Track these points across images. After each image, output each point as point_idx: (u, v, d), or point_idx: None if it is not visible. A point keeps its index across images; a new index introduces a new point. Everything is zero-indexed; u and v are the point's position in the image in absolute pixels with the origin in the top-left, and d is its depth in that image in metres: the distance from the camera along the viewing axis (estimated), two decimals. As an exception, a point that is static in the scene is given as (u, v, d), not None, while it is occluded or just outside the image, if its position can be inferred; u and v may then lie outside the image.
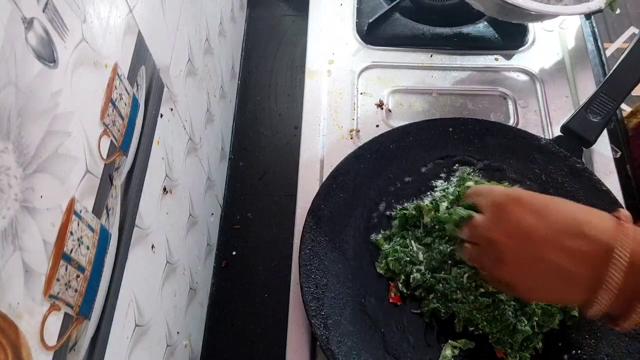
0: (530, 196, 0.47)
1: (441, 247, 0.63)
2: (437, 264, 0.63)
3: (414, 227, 0.65)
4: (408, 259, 0.62)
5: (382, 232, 0.66)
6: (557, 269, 0.43)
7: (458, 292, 0.60)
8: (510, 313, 0.57)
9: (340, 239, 0.66)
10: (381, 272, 0.64)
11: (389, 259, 0.63)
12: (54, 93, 0.33)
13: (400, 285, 0.62)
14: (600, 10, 0.73)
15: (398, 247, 0.63)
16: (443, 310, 0.60)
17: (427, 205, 0.65)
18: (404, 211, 0.66)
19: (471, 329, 0.59)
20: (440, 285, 0.61)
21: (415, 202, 0.68)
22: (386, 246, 0.64)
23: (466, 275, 0.61)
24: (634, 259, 0.41)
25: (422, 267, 0.62)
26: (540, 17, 0.79)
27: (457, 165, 0.71)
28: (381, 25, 0.86)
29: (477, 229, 0.50)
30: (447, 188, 0.68)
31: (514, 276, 0.47)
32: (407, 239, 0.64)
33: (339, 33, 0.87)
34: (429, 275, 0.61)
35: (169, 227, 0.58)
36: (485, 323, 0.58)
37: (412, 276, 0.61)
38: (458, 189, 0.66)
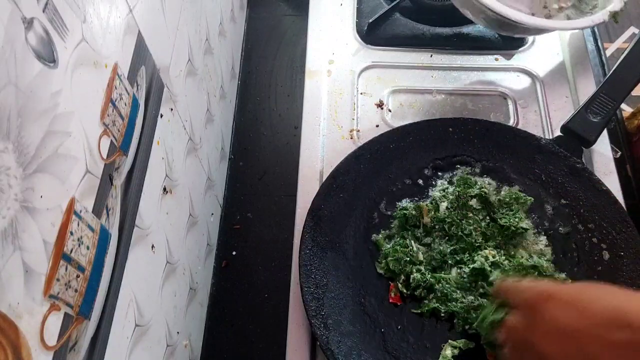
0: (561, 290, 0.45)
1: (441, 247, 0.63)
2: (437, 263, 0.63)
3: (414, 227, 0.66)
4: (408, 259, 0.62)
5: (382, 232, 0.66)
6: None
7: (458, 291, 0.60)
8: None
9: (340, 239, 0.66)
10: (381, 272, 0.64)
11: (389, 259, 0.63)
12: (54, 93, 0.33)
13: (400, 285, 0.62)
14: (603, 22, 0.73)
15: (398, 247, 0.63)
16: (443, 310, 0.60)
17: (427, 205, 0.65)
18: (404, 211, 0.66)
19: (468, 328, 0.59)
20: (440, 285, 0.61)
21: (415, 202, 0.68)
22: (386, 246, 0.64)
23: (467, 275, 0.61)
24: None
25: (422, 267, 0.62)
26: (542, 31, 0.78)
27: (457, 165, 0.71)
28: (381, 25, 0.86)
29: (512, 332, 0.47)
30: (447, 188, 0.68)
31: None
32: (407, 239, 0.64)
33: (339, 33, 0.87)
34: (429, 276, 0.61)
35: (169, 227, 0.58)
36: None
37: (412, 276, 0.61)
38: (458, 189, 0.66)
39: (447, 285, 0.60)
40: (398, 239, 0.65)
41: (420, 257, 0.63)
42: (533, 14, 0.76)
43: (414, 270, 0.61)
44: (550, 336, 0.43)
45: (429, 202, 0.66)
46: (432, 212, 0.64)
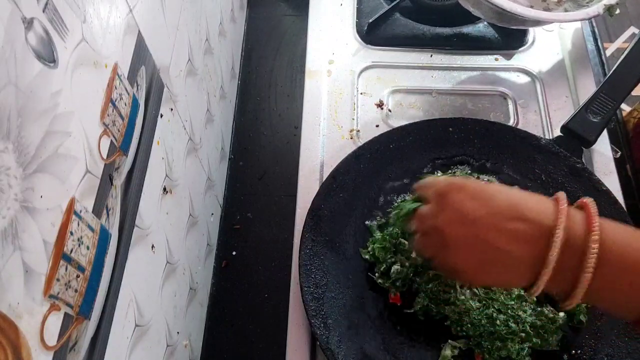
0: (471, 183, 0.49)
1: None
2: None
3: None
4: (394, 249, 0.63)
5: (377, 218, 0.67)
6: (499, 252, 0.44)
7: (452, 291, 0.60)
8: (498, 322, 0.57)
9: (340, 239, 0.66)
10: (366, 257, 0.64)
11: (376, 245, 0.63)
12: (54, 93, 0.33)
13: (377, 274, 0.62)
14: (598, 15, 0.73)
15: (387, 237, 0.63)
16: (435, 310, 0.60)
17: None
18: (404, 204, 0.66)
19: (458, 330, 0.59)
20: (431, 284, 0.61)
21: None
22: (378, 233, 0.65)
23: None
24: (569, 234, 0.42)
25: (406, 261, 0.62)
26: (539, 23, 0.79)
27: (457, 165, 0.71)
28: (381, 25, 0.86)
29: (423, 218, 0.51)
30: None
31: (459, 261, 0.48)
32: (405, 233, 0.64)
33: (339, 33, 0.87)
34: (409, 270, 0.61)
35: (169, 227, 0.58)
36: (469, 325, 0.58)
37: (393, 267, 0.61)
38: None
39: (439, 286, 0.61)
40: (391, 229, 0.65)
41: (410, 252, 0.63)
42: (532, 7, 0.76)
43: (397, 261, 0.61)
44: (455, 222, 0.47)
45: None
46: None
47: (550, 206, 0.45)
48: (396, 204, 0.67)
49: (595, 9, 0.72)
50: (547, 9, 0.79)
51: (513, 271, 0.45)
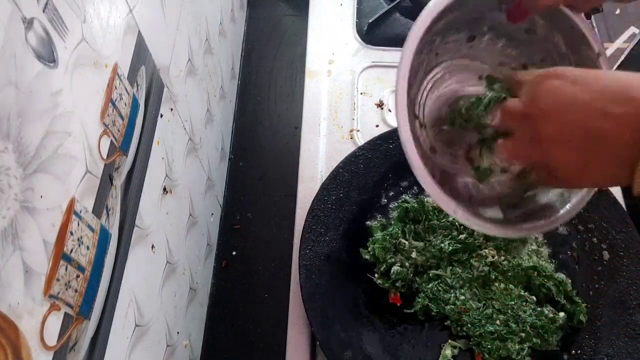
0: (567, 69, 0.43)
1: (442, 245, 0.63)
2: (436, 261, 0.63)
3: (414, 222, 0.66)
4: (394, 249, 0.63)
5: (378, 219, 0.67)
6: (601, 138, 0.39)
7: (451, 291, 0.60)
8: (498, 322, 0.57)
9: (341, 238, 0.66)
10: (366, 257, 0.64)
11: (376, 245, 0.63)
12: (54, 93, 0.33)
13: (377, 274, 0.62)
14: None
15: (388, 237, 0.63)
16: (435, 310, 0.60)
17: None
18: (405, 204, 0.66)
19: (461, 330, 0.59)
20: (431, 284, 0.61)
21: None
22: (378, 233, 0.65)
23: (460, 276, 0.61)
24: None
25: (406, 262, 0.62)
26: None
27: (457, 165, 0.71)
28: (381, 25, 0.86)
29: (510, 109, 0.45)
30: None
31: (554, 154, 0.42)
32: (405, 233, 0.64)
33: (339, 33, 0.87)
34: (410, 272, 0.61)
35: (169, 227, 0.58)
36: (469, 325, 0.58)
37: (393, 267, 0.61)
38: None
39: (440, 285, 0.61)
40: (392, 229, 0.65)
41: (413, 253, 0.63)
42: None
43: (397, 261, 0.62)
44: (551, 108, 0.41)
45: None
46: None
47: None
48: (397, 204, 0.68)
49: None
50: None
51: (620, 164, 0.40)
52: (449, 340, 0.59)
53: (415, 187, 0.70)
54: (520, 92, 0.45)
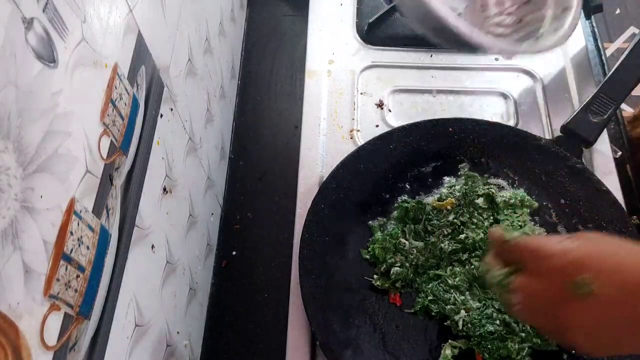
0: (596, 258, 0.42)
1: (443, 245, 0.63)
2: (436, 261, 0.63)
3: (415, 222, 0.66)
4: (394, 249, 0.63)
5: (378, 218, 0.67)
6: (633, 331, 0.39)
7: (451, 290, 0.60)
8: (498, 322, 0.57)
9: (340, 239, 0.66)
10: (366, 257, 0.64)
11: (376, 245, 0.63)
12: (54, 93, 0.33)
13: (376, 277, 0.62)
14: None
15: (388, 237, 0.64)
16: (435, 310, 0.60)
17: (434, 200, 0.66)
18: (405, 204, 0.66)
19: (458, 330, 0.59)
20: (431, 284, 0.61)
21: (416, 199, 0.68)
22: (379, 233, 0.65)
23: (460, 276, 0.61)
24: None
25: (406, 262, 0.62)
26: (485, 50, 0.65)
27: (457, 165, 0.71)
28: (381, 25, 0.86)
29: (537, 297, 0.44)
30: (454, 185, 0.68)
31: (586, 342, 0.42)
32: (405, 233, 0.64)
33: (339, 33, 0.87)
34: (410, 272, 0.61)
35: (169, 227, 0.58)
36: (469, 325, 0.58)
37: (393, 268, 0.61)
38: (465, 186, 0.66)
39: (439, 285, 0.61)
40: (391, 229, 0.65)
41: (413, 253, 0.63)
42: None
43: (397, 262, 0.62)
44: (581, 305, 0.41)
45: (436, 198, 0.67)
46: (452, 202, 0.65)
47: None
48: (397, 204, 0.68)
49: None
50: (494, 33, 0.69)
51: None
52: (449, 340, 0.59)
53: (415, 187, 0.70)
54: (538, 272, 0.44)
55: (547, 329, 0.45)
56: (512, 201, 0.66)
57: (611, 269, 0.41)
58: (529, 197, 0.67)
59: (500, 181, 0.69)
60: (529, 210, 0.66)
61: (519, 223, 0.64)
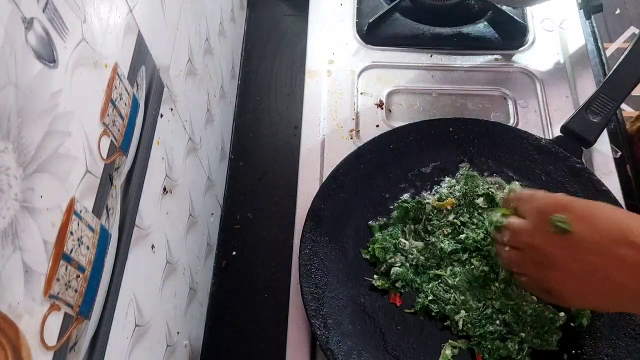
0: (574, 202, 0.46)
1: (443, 245, 0.63)
2: (436, 261, 0.63)
3: (415, 222, 0.66)
4: (394, 249, 0.63)
5: (379, 219, 0.67)
6: (607, 278, 0.42)
7: (451, 290, 0.60)
8: (498, 322, 0.57)
9: (340, 239, 0.66)
10: (366, 257, 0.64)
11: (376, 245, 0.63)
12: (54, 93, 0.33)
13: (376, 277, 0.62)
14: None
15: (387, 237, 0.64)
16: (435, 310, 0.60)
17: (435, 199, 0.66)
18: (405, 204, 0.66)
19: (458, 330, 0.59)
20: (431, 284, 0.61)
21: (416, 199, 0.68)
22: (378, 233, 0.65)
23: (460, 276, 0.61)
24: None
25: (407, 263, 0.62)
26: None
27: (457, 165, 0.71)
28: (381, 25, 0.86)
29: (520, 234, 0.49)
30: (454, 185, 0.68)
31: (560, 284, 0.46)
32: (405, 233, 0.64)
33: (339, 33, 0.87)
34: (410, 272, 0.61)
35: (169, 227, 0.58)
36: (469, 325, 0.58)
37: (393, 268, 0.61)
38: (465, 186, 0.67)
39: (440, 285, 0.61)
40: (391, 229, 0.65)
41: (414, 253, 0.63)
42: None
43: (397, 262, 0.62)
44: (559, 243, 0.44)
45: (436, 198, 0.67)
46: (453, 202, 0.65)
47: None
48: (397, 204, 0.67)
49: None
50: None
51: (621, 297, 0.43)
52: (449, 340, 0.59)
53: (415, 187, 0.70)
54: (527, 214, 0.48)
55: (529, 267, 0.48)
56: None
57: (591, 217, 0.45)
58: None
59: (500, 180, 0.69)
60: None
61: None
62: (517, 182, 0.65)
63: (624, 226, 0.43)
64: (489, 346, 0.57)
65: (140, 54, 0.48)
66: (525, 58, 0.83)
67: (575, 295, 0.46)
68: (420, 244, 0.64)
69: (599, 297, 0.45)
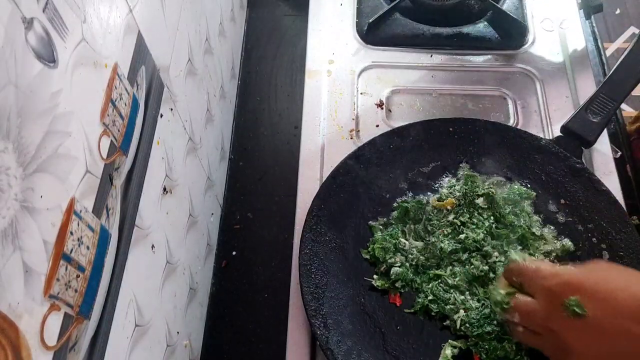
0: (585, 280, 0.43)
1: (443, 245, 0.63)
2: (436, 261, 0.63)
3: (415, 222, 0.66)
4: (394, 249, 0.63)
5: (379, 219, 0.67)
6: (630, 356, 0.40)
7: (451, 290, 0.60)
8: (495, 323, 0.57)
9: (340, 239, 0.66)
10: (366, 257, 0.64)
11: (376, 245, 0.63)
12: (54, 93, 0.33)
13: (376, 277, 0.62)
14: None
15: (387, 237, 0.64)
16: (435, 310, 0.60)
17: (436, 199, 0.66)
18: (405, 204, 0.66)
19: (458, 330, 0.59)
20: (431, 284, 0.61)
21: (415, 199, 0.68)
22: (379, 233, 0.65)
23: (460, 276, 0.61)
24: None
25: (406, 262, 0.62)
26: None
27: (457, 164, 0.71)
28: (381, 25, 0.86)
29: (533, 317, 0.46)
30: (455, 185, 0.68)
31: None
32: (405, 233, 0.64)
33: (339, 33, 0.87)
34: (410, 272, 0.61)
35: (169, 227, 0.58)
36: (467, 325, 0.58)
37: (393, 268, 0.61)
38: (465, 186, 0.67)
39: (439, 285, 0.61)
40: (392, 229, 0.65)
41: (413, 252, 0.63)
42: None
43: (397, 262, 0.62)
44: (576, 327, 0.42)
45: (436, 198, 0.67)
46: (452, 202, 0.65)
47: None
48: (396, 204, 0.67)
49: None
50: None
51: None
52: (449, 340, 0.59)
53: (415, 187, 0.70)
54: (536, 294, 0.46)
55: (550, 351, 0.46)
56: (510, 197, 0.66)
57: (605, 295, 0.42)
58: (525, 189, 0.67)
59: (500, 180, 0.69)
60: (529, 202, 0.66)
61: (525, 216, 0.64)
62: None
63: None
64: (487, 346, 0.57)
65: (140, 54, 0.48)
66: (525, 58, 0.83)
67: None
68: (420, 244, 0.64)
69: None
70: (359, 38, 0.86)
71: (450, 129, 0.72)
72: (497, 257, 0.61)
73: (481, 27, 0.86)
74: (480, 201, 0.65)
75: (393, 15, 0.87)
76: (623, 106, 0.79)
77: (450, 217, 0.65)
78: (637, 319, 0.40)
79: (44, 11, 0.32)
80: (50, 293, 0.32)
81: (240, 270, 0.79)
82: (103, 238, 0.40)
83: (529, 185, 0.68)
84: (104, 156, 0.40)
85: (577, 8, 0.88)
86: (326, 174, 0.70)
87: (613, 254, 0.63)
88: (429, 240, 0.64)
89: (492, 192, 0.65)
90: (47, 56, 0.32)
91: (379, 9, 0.88)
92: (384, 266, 0.63)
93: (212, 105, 0.77)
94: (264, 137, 0.89)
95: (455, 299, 0.60)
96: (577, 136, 0.70)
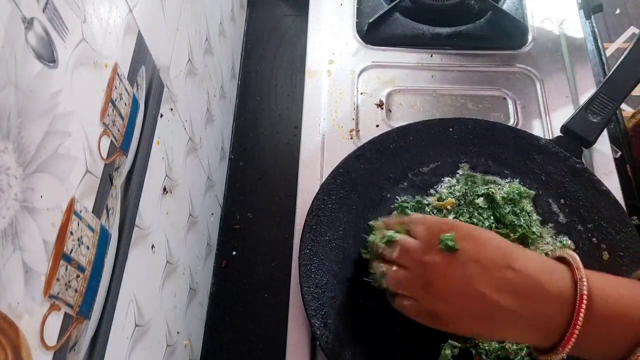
0: (462, 224, 0.49)
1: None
2: None
3: None
4: None
5: (379, 218, 0.67)
6: (484, 299, 0.44)
7: None
8: None
9: (341, 239, 0.66)
10: (366, 257, 0.64)
11: None
12: (54, 93, 0.33)
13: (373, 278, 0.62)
14: None
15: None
16: None
17: (436, 199, 0.66)
18: (405, 204, 0.66)
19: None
20: None
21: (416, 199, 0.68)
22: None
23: None
24: (559, 290, 0.43)
25: None
26: None
27: (457, 164, 0.71)
28: (381, 25, 0.86)
29: (410, 251, 0.49)
30: (454, 185, 0.68)
31: (445, 303, 0.46)
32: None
33: (339, 33, 0.87)
34: None
35: (169, 227, 0.58)
36: None
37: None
38: (465, 186, 0.66)
39: None
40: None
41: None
42: None
43: None
44: (447, 259, 0.46)
45: (436, 198, 0.67)
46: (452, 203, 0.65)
47: (538, 259, 0.46)
48: (397, 204, 0.68)
49: None
50: None
51: (496, 320, 0.45)
52: (449, 340, 0.59)
53: (415, 187, 0.70)
54: (418, 235, 0.50)
55: (416, 293, 0.48)
56: (510, 196, 0.66)
57: (476, 237, 0.47)
58: (524, 188, 0.67)
59: (499, 179, 0.69)
60: (529, 201, 0.66)
61: (524, 215, 0.64)
62: (517, 181, 0.63)
63: (508, 253, 0.46)
64: (487, 347, 0.57)
65: (140, 54, 0.48)
66: (525, 58, 0.84)
67: (453, 316, 0.46)
68: (420, 244, 0.64)
69: (480, 322, 0.45)
70: (359, 38, 0.86)
71: (450, 129, 0.72)
72: None
73: (481, 27, 0.86)
74: (480, 201, 0.65)
75: (393, 15, 0.87)
76: (623, 106, 0.79)
77: (450, 217, 0.65)
78: (499, 265, 0.44)
79: (44, 11, 0.32)
80: (50, 293, 0.32)
81: (240, 270, 0.79)
82: (103, 238, 0.40)
83: (529, 185, 0.68)
84: (104, 156, 0.40)
85: (577, 8, 0.88)
86: (326, 174, 0.70)
87: (613, 254, 0.63)
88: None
89: (492, 192, 0.65)
90: (47, 56, 0.32)
91: (379, 9, 0.88)
92: None
93: (212, 105, 0.77)
94: (264, 137, 0.89)
95: None
96: (577, 136, 0.70)
